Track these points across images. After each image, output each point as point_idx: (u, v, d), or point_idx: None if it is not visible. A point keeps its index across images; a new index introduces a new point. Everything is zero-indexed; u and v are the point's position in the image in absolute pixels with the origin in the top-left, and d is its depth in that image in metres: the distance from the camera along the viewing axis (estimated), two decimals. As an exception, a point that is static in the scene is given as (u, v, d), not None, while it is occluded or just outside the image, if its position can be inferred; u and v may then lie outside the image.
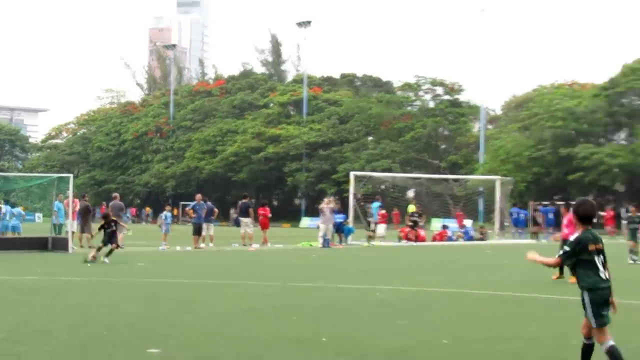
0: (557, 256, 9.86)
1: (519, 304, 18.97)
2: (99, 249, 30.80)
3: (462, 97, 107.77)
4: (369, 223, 51.37)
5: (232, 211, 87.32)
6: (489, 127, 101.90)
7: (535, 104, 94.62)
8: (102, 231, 31.57)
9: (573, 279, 17.86)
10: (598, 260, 9.48)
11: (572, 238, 9.89)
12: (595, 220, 10.13)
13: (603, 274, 9.48)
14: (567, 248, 9.72)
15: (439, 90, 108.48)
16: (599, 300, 9.48)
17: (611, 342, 9.38)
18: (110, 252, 30.62)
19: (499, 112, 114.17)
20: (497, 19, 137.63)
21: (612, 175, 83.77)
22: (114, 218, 32.99)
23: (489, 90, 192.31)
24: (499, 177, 65.43)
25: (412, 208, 58.60)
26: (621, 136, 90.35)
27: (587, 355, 9.68)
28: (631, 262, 32.23)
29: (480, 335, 14.14)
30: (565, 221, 24.71)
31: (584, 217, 9.70)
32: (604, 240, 9.72)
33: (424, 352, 12.34)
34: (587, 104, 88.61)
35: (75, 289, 21.79)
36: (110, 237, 30.99)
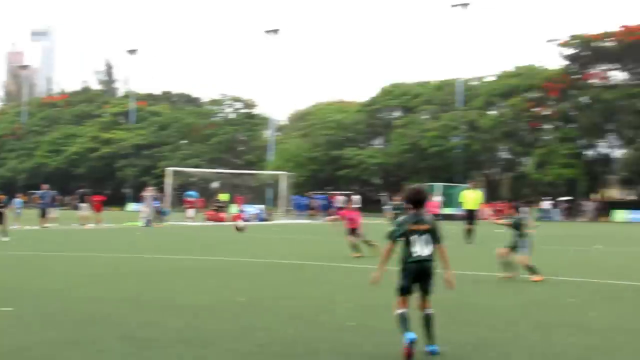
0: (388, 240, 8.99)
1: (299, 270, 19.20)
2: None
3: (256, 110, 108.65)
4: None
5: (68, 198, 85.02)
6: (277, 133, 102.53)
7: (313, 116, 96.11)
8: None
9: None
10: (417, 237, 8.70)
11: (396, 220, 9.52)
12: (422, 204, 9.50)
13: (419, 249, 8.68)
14: (393, 228, 9.07)
15: (238, 104, 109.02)
16: (405, 272, 8.72)
17: (400, 311, 8.61)
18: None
19: (285, 122, 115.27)
20: (285, 45, 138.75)
21: (371, 172, 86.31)
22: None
23: (277, 105, 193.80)
24: (284, 172, 65.98)
25: (224, 197, 58.96)
26: (378, 141, 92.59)
27: (428, 324, 8.73)
28: None
29: (269, 294, 14.28)
30: (351, 215, 24.14)
31: (411, 201, 9.02)
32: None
33: (224, 308, 12.38)
34: (353, 117, 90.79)
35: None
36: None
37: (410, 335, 8.32)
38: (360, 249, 22.72)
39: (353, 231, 23.42)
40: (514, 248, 16.83)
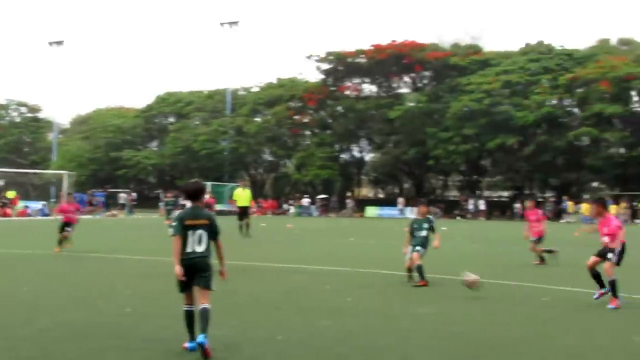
0: (172, 235, 8.15)
1: (80, 261, 18.58)
2: None
3: (40, 114, 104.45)
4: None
5: None
6: (60, 136, 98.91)
7: (94, 120, 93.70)
8: None
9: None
10: (192, 233, 7.90)
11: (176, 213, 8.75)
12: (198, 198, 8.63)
13: (192, 246, 7.89)
14: (174, 223, 8.15)
15: (24, 109, 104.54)
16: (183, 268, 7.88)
17: (185, 308, 7.94)
18: None
19: (68, 125, 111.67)
20: (69, 54, 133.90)
21: (147, 171, 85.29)
22: None
23: (61, 109, 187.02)
24: (66, 172, 63.84)
25: (11, 194, 56.59)
26: (154, 144, 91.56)
27: (202, 318, 7.77)
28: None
29: (52, 283, 13.83)
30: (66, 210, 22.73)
31: (189, 195, 8.24)
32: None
33: (8, 297, 11.92)
34: (131, 122, 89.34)
35: None
36: None
37: (190, 345, 7.86)
38: (62, 245, 21.41)
39: (67, 225, 22.10)
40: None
